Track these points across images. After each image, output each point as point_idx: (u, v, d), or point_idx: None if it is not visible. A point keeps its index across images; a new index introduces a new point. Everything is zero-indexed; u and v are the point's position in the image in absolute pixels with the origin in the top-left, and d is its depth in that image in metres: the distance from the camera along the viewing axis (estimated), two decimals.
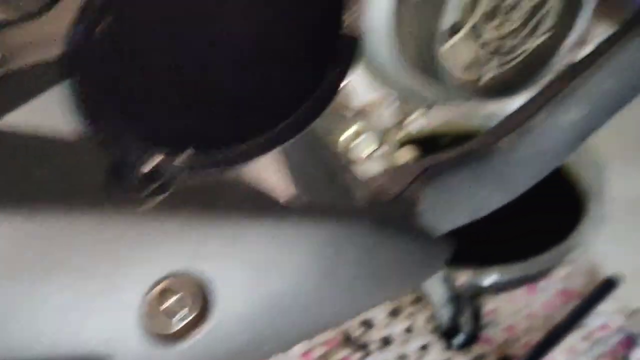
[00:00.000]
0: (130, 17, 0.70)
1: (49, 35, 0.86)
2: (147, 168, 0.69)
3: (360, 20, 0.71)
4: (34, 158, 0.75)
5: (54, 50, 0.84)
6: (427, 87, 1.23)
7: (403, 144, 1.36)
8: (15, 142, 0.75)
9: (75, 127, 0.77)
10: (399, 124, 1.33)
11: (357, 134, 1.19)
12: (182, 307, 0.77)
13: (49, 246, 0.71)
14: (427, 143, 1.42)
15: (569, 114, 1.11)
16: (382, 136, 1.27)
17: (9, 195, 0.71)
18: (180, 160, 0.69)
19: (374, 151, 1.23)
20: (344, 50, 0.71)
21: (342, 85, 0.72)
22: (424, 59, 1.16)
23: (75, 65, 0.68)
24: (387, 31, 1.15)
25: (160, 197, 0.69)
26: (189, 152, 0.70)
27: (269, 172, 0.82)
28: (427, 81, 1.21)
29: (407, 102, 1.32)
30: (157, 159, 0.70)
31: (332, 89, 0.72)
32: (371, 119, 1.24)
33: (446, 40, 1.11)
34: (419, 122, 1.31)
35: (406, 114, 1.34)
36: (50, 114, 0.78)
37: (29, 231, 0.70)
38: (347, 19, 0.71)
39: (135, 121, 0.70)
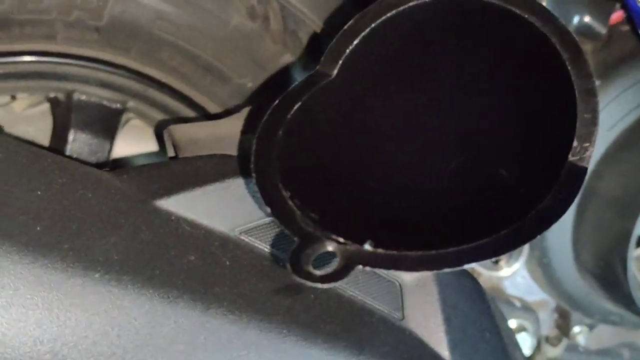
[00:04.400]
0: (316, 113, 0.66)
1: (219, 136, 0.83)
2: (317, 252, 0.61)
3: (589, 154, 0.63)
4: (186, 244, 0.69)
5: (218, 149, 0.81)
6: (599, 298, 1.12)
7: None
8: (172, 225, 0.69)
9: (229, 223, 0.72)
10: (556, 337, 1.20)
11: (519, 329, 1.08)
12: None
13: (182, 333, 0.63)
14: None
15: None
16: (538, 343, 1.15)
17: (159, 274, 0.65)
18: (357, 251, 0.61)
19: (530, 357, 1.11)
20: (568, 180, 0.62)
21: (559, 218, 0.63)
22: (602, 266, 1.06)
23: (259, 156, 0.64)
24: (565, 228, 1.06)
25: (330, 285, 0.61)
26: (367, 244, 0.62)
27: (430, 324, 0.72)
28: (601, 291, 1.09)
29: (567, 315, 1.20)
30: (332, 245, 0.62)
31: (547, 218, 0.62)
32: (532, 320, 1.12)
33: (633, 248, 1.01)
34: (580, 339, 1.18)
35: (564, 328, 1.21)
36: (208, 205, 0.73)
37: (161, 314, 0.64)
38: (577, 149, 0.62)
39: (312, 206, 0.63)
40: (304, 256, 0.61)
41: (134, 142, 1.17)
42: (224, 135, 0.82)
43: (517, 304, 1.09)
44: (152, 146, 1.17)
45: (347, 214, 0.64)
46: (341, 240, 0.62)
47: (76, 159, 0.72)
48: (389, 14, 0.66)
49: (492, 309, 0.79)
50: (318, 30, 1.06)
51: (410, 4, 0.66)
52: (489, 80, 0.67)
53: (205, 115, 1.08)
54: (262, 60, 1.05)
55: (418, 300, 0.75)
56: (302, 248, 0.61)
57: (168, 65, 1.03)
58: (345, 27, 0.68)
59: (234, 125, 0.84)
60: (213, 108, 1.08)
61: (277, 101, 0.66)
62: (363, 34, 0.66)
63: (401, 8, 0.66)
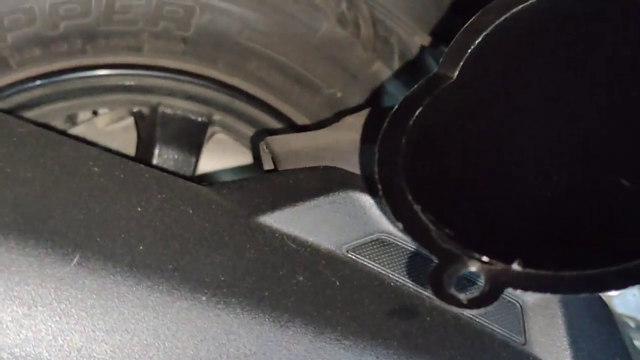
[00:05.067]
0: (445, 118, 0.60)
1: (318, 147, 0.78)
2: (459, 273, 0.55)
3: None
4: (293, 263, 0.64)
5: (319, 161, 0.76)
6: None
7: None
8: (277, 243, 0.64)
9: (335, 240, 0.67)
10: None
11: None
12: None
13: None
14: None
15: None
16: None
17: (269, 295, 0.60)
18: (504, 271, 0.55)
19: None
20: None
21: None
22: None
23: (383, 167, 0.58)
24: None
25: (479, 310, 0.55)
26: (516, 264, 0.56)
27: (556, 349, 0.66)
28: None
29: None
30: (475, 265, 0.56)
31: None
32: None
33: None
34: None
35: None
36: (313, 221, 0.68)
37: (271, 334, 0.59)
38: None
39: (446, 220, 0.58)
40: (445, 277, 0.55)
41: (218, 157, 1.13)
42: (324, 146, 0.77)
43: (631, 324, 1.01)
44: (236, 160, 1.13)
45: (486, 230, 0.58)
46: (485, 259, 0.56)
47: (171, 172, 0.68)
48: (513, 10, 0.60)
49: (622, 332, 0.72)
50: (411, 36, 1.01)
51: None
52: (622, 80, 0.61)
53: (293, 127, 1.04)
54: (352, 68, 1.00)
55: (541, 322, 0.69)
56: (443, 268, 0.55)
57: (255, 76, 0.99)
58: (466, 25, 0.62)
59: (333, 136, 0.79)
60: (301, 120, 1.03)
61: (395, 107, 0.61)
62: (485, 32, 0.60)
63: (527, 4, 0.60)
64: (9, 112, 0.95)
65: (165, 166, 1.04)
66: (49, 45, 0.92)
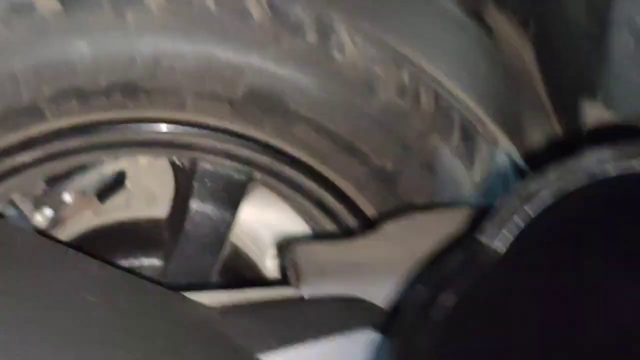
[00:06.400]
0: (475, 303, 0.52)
1: (346, 264, 0.72)
2: None
3: None
4: None
5: (343, 281, 0.70)
6: None
7: None
8: None
9: None
10: None
11: None
12: None
13: None
14: None
15: None
16: None
17: None
18: None
19: None
20: None
21: None
22: None
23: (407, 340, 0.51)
24: None
25: None
26: None
27: None
28: None
29: None
30: None
31: None
32: None
33: None
34: None
35: None
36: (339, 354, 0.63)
37: None
38: None
39: None
40: None
41: (259, 207, 1.08)
42: (354, 261, 0.72)
43: None
44: (277, 211, 1.08)
45: None
46: None
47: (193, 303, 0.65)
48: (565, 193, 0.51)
49: None
50: (474, 115, 0.94)
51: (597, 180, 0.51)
52: None
53: (337, 194, 0.97)
54: (407, 140, 0.94)
55: None
56: None
57: (302, 140, 0.94)
58: (516, 195, 0.53)
59: (366, 250, 0.73)
60: (346, 187, 0.97)
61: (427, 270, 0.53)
62: (538, 212, 0.51)
63: (578, 187, 0.51)
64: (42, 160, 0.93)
65: (201, 222, 1.00)
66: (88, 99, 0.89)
